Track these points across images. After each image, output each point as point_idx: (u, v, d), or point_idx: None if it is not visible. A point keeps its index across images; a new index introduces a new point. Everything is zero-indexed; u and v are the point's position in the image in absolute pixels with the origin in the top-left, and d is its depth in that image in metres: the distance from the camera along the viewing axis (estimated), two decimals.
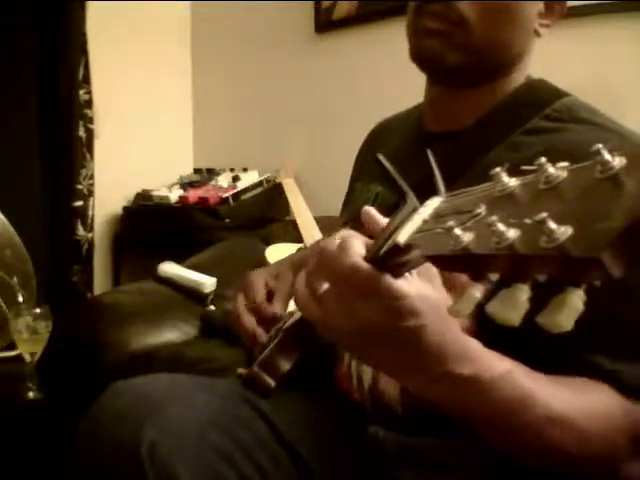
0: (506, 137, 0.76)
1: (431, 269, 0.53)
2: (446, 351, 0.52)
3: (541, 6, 0.79)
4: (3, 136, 2.06)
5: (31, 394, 1.36)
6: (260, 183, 2.40)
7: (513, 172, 0.40)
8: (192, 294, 1.83)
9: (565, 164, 0.38)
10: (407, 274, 0.51)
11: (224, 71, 2.69)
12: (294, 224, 2.12)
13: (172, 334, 1.69)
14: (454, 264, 0.41)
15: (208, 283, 1.82)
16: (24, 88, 2.14)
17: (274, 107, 2.53)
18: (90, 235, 2.26)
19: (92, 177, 2.25)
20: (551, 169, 0.37)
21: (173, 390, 0.81)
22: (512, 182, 0.39)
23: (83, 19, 2.19)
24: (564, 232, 0.33)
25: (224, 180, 2.43)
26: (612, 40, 1.70)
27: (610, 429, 0.60)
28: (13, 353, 1.46)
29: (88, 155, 2.24)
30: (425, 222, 0.45)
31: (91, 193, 2.26)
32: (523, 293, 0.37)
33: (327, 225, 1.90)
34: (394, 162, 0.86)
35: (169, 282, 1.86)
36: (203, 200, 2.31)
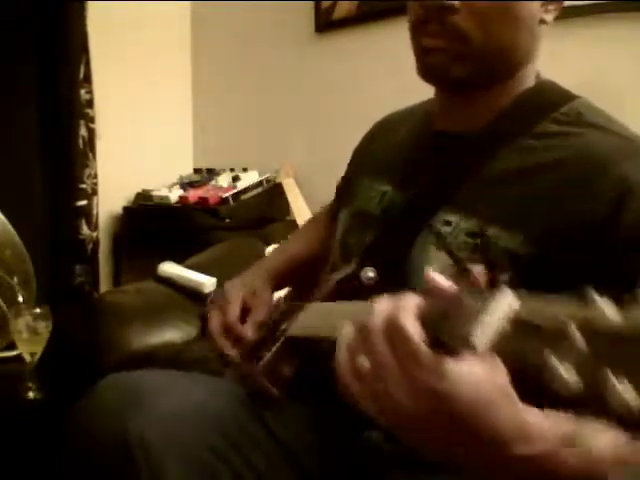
0: (514, 140, 0.75)
1: None
2: (505, 437, 0.49)
3: None
4: (3, 136, 2.06)
5: (31, 394, 1.36)
6: (260, 183, 2.40)
7: (613, 301, 0.36)
8: (192, 294, 1.83)
9: None
10: None
11: (224, 71, 2.69)
12: (294, 224, 2.12)
13: (172, 334, 1.69)
14: (548, 400, 0.38)
15: (208, 283, 1.82)
16: (24, 88, 2.14)
17: (274, 107, 2.53)
18: (95, 234, 2.27)
19: (95, 176, 2.26)
20: None
21: (165, 384, 0.81)
22: (611, 313, 0.35)
23: (83, 19, 2.19)
24: None
25: (224, 180, 2.43)
26: (612, 40, 1.70)
27: None
28: (13, 353, 1.46)
29: (90, 154, 2.24)
30: (503, 327, 0.41)
31: (95, 192, 2.26)
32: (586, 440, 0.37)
33: None
34: (401, 160, 0.86)
35: (169, 282, 1.86)
36: (203, 200, 2.31)
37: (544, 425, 0.50)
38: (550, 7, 0.77)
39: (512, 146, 0.75)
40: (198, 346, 1.64)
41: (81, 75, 2.20)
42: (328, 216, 1.07)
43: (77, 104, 2.19)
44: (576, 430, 0.37)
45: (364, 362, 0.50)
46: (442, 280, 0.52)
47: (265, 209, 2.39)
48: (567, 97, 0.78)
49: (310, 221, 1.20)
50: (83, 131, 2.21)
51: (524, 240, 0.69)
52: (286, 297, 0.94)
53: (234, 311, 0.90)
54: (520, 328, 0.39)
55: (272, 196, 2.39)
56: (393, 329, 0.48)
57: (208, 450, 0.75)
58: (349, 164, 1.05)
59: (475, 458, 0.51)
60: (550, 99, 0.78)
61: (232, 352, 0.87)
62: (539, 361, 0.36)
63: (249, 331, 0.88)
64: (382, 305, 0.50)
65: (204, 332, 1.75)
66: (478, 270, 0.46)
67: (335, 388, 0.54)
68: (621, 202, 0.66)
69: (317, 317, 0.78)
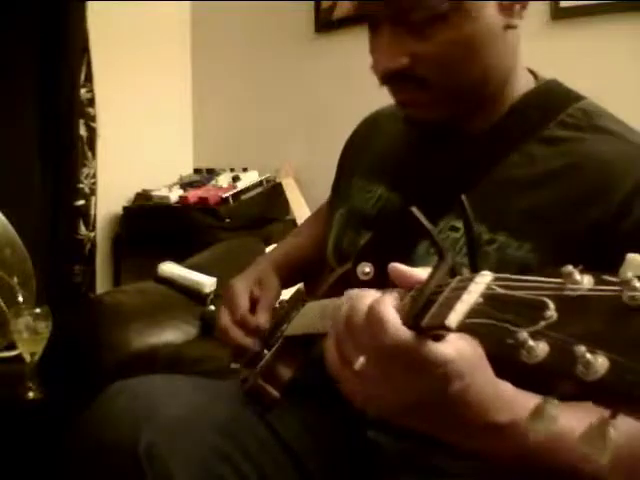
0: (520, 144, 0.74)
1: None
2: (486, 404, 0.51)
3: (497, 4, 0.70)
4: (3, 136, 2.06)
5: (31, 394, 1.36)
6: (260, 183, 2.40)
7: (586, 272, 0.36)
8: (192, 294, 1.83)
9: None
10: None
11: (224, 71, 2.69)
12: (294, 224, 2.12)
13: (172, 334, 1.69)
14: (519, 374, 0.36)
15: (208, 283, 1.82)
16: (25, 88, 2.14)
17: (274, 107, 2.53)
18: (92, 234, 2.27)
19: (94, 176, 2.26)
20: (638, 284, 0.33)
21: (171, 391, 0.81)
22: (585, 283, 0.35)
23: (84, 18, 2.19)
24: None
25: (224, 180, 2.43)
26: (612, 40, 1.70)
27: None
28: (13, 353, 1.46)
29: (90, 154, 2.24)
30: (479, 304, 0.41)
31: (93, 192, 2.26)
32: (554, 408, 0.35)
33: None
34: (397, 160, 0.85)
35: (169, 282, 1.86)
36: (203, 200, 2.31)
37: (516, 396, 0.52)
38: (516, 7, 0.71)
39: (519, 151, 0.74)
40: (198, 346, 1.64)
41: (82, 75, 2.20)
42: (324, 213, 1.06)
43: (78, 104, 2.19)
44: (541, 404, 0.37)
45: (350, 350, 0.51)
46: (406, 268, 0.52)
47: (265, 209, 2.39)
48: (572, 98, 0.76)
49: (309, 219, 1.19)
50: (83, 130, 2.21)
51: (533, 248, 0.68)
52: (289, 300, 0.94)
53: (243, 303, 0.89)
54: (493, 302, 0.40)
55: (272, 196, 2.39)
56: (372, 318, 0.49)
57: (214, 453, 0.74)
58: (339, 163, 1.02)
59: (453, 430, 0.53)
60: (554, 100, 0.77)
61: (247, 341, 0.86)
62: (509, 333, 0.36)
63: (261, 318, 0.88)
64: (362, 298, 0.51)
65: (204, 332, 1.75)
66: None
67: (337, 388, 0.54)
68: (630, 203, 0.65)
69: (311, 314, 0.78)
